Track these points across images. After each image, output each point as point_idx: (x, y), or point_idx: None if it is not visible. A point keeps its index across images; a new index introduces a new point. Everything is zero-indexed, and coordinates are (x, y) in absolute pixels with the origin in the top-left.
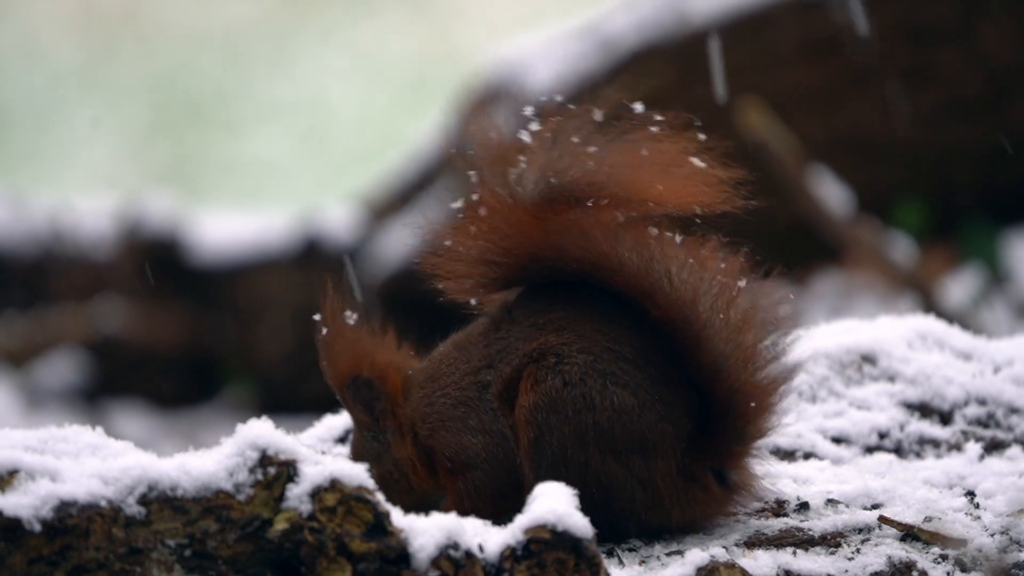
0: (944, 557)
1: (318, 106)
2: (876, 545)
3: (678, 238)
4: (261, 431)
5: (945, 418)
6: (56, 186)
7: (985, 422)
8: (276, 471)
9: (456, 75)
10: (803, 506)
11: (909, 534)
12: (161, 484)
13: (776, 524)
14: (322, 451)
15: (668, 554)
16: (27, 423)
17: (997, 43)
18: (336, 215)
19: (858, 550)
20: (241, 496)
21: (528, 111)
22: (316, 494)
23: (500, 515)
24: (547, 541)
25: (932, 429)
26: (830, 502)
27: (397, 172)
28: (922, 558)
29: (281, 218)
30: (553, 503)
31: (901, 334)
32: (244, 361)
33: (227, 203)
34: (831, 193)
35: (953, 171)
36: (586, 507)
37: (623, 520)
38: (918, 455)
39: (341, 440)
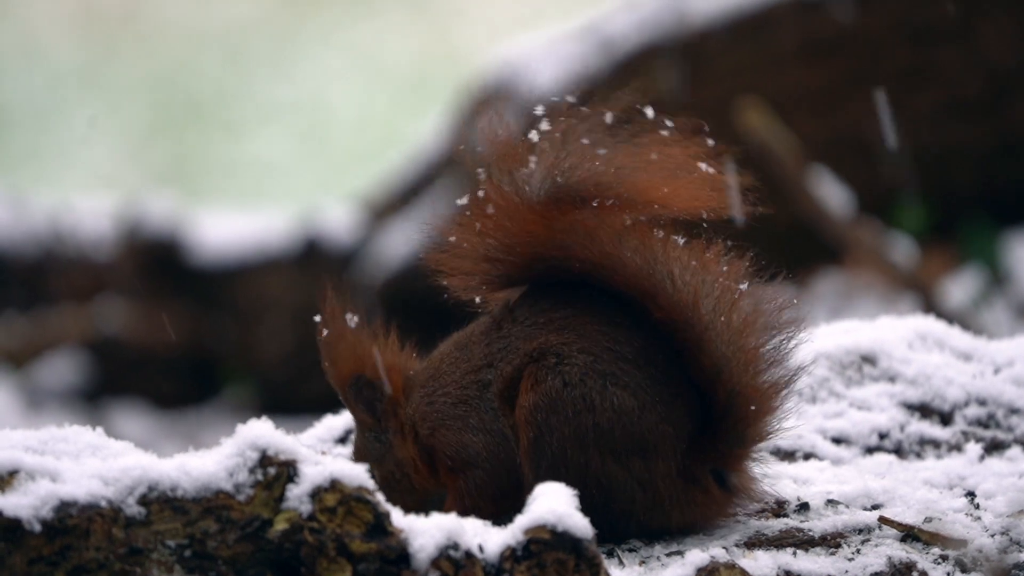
0: (944, 558)
1: (318, 106)
2: (876, 546)
3: (682, 241)
4: (261, 431)
5: (945, 419)
6: (56, 186)
7: (985, 423)
8: (276, 471)
9: (456, 75)
10: (803, 507)
11: (909, 535)
12: (161, 484)
13: (776, 525)
14: (322, 451)
15: (668, 554)
16: (27, 423)
17: (997, 43)
18: (336, 215)
19: (858, 551)
20: (241, 496)
21: (538, 111)
22: (316, 494)
23: (501, 514)
24: (547, 541)
25: (932, 430)
26: (830, 503)
27: (397, 172)
28: (922, 559)
29: (281, 218)
30: (553, 503)
31: (901, 335)
32: (244, 361)
33: (227, 203)
34: (831, 194)
35: (953, 171)
36: (586, 508)
37: (623, 521)
38: (918, 456)
39: (341, 440)
